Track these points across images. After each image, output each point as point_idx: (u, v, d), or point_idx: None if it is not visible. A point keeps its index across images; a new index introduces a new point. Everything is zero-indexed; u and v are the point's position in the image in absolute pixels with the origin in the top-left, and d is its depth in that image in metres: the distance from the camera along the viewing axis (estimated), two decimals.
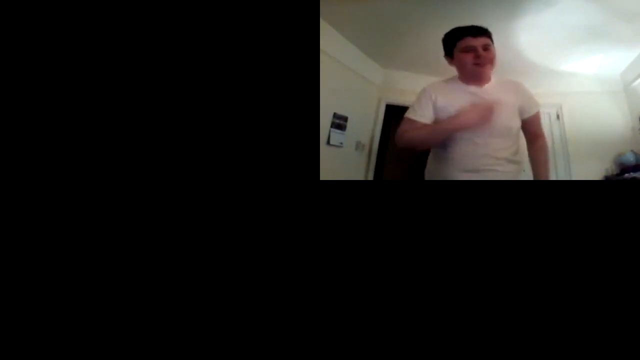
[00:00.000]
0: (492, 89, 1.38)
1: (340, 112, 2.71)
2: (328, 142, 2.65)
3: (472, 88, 1.38)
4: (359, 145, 3.01)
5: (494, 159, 1.34)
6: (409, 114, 1.40)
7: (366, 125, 3.11)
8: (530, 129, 1.43)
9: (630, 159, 2.97)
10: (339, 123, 2.73)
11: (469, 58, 1.32)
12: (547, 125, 3.19)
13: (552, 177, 3.16)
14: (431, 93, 1.40)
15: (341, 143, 2.77)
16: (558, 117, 3.19)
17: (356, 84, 2.90)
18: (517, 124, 1.40)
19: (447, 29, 1.49)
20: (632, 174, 2.85)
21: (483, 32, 1.34)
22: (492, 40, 1.36)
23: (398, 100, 2.99)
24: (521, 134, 1.45)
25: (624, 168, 2.98)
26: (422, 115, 1.38)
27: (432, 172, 1.44)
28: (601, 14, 2.19)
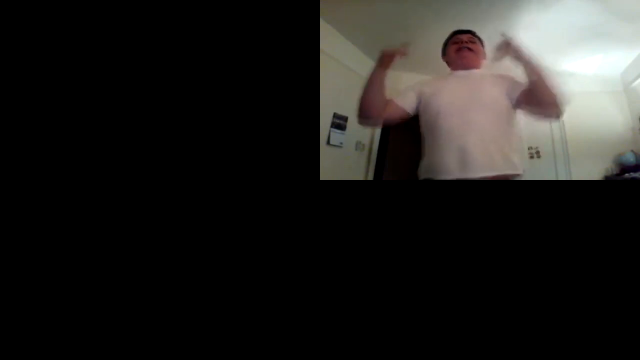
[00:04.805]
0: (478, 72, 1.52)
1: (340, 112, 2.71)
2: (328, 142, 2.65)
3: (459, 72, 1.53)
4: (359, 145, 3.01)
5: (483, 136, 1.35)
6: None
7: None
8: (533, 90, 1.39)
9: (630, 159, 2.97)
10: (339, 123, 2.73)
11: (454, 46, 1.55)
12: (547, 125, 3.19)
13: (552, 177, 3.16)
14: (419, 84, 1.56)
15: (341, 143, 2.77)
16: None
17: (356, 84, 2.89)
18: (505, 104, 1.40)
19: (447, 30, 1.59)
20: (632, 174, 2.85)
21: (469, 32, 1.58)
22: (480, 41, 1.55)
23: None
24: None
25: (624, 168, 2.98)
26: (401, 98, 1.55)
27: (425, 159, 1.47)
28: (601, 14, 2.19)
